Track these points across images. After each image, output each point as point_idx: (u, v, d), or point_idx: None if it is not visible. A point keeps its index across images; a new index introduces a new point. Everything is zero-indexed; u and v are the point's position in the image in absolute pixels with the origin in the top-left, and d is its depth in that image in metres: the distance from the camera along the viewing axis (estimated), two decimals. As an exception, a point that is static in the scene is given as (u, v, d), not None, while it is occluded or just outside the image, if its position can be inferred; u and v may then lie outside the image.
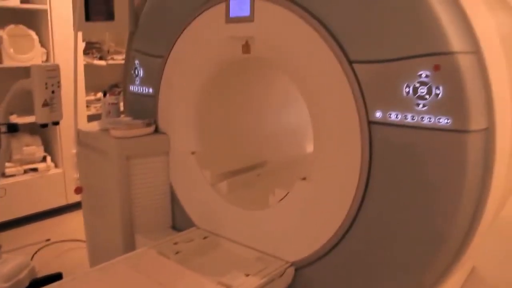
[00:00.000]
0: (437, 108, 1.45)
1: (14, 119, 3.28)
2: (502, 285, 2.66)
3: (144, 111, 2.38)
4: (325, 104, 1.68)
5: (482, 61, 1.47)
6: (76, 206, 3.63)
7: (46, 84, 2.06)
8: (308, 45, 1.67)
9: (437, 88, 1.44)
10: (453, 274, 1.72)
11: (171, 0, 2.17)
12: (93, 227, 2.49)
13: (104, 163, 2.24)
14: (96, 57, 3.70)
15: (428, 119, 1.46)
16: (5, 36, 3.14)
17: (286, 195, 1.88)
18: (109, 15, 2.39)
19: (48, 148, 3.53)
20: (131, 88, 2.45)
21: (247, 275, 1.76)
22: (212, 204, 2.13)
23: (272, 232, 1.93)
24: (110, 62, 3.74)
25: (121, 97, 2.61)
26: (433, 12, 1.43)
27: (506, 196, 2.17)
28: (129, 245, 2.26)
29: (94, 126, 2.48)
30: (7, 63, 3.17)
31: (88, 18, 2.43)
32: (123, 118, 2.47)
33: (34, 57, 3.27)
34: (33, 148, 3.41)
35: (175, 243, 2.05)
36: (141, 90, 2.38)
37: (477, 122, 1.43)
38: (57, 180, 3.46)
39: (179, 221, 2.33)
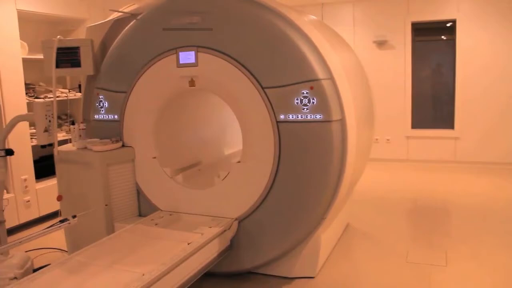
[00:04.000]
0: (314, 110, 2.70)
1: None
2: (371, 232, 4.00)
3: (109, 132, 3.33)
4: (249, 113, 2.86)
5: (335, 83, 2.78)
6: (27, 225, 4.32)
7: (46, 115, 2.93)
8: (235, 80, 2.84)
9: (313, 99, 2.70)
10: (333, 215, 2.98)
11: (131, 52, 3.18)
12: (73, 224, 3.32)
13: (87, 172, 3.14)
14: (32, 96, 4.46)
15: (310, 116, 2.71)
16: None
17: (227, 175, 3.00)
18: (76, 63, 3.32)
19: (0, 176, 4.18)
20: (96, 116, 3.38)
21: (210, 227, 2.83)
22: (173, 190, 3.16)
23: (219, 201, 3.03)
24: (46, 99, 4.51)
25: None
26: (307, 58, 2.70)
27: (360, 164, 3.51)
28: (110, 231, 3.16)
29: (69, 147, 3.35)
30: (-36, 105, 3.84)
31: (57, 66, 3.31)
32: (91, 139, 3.36)
33: (-15, 99, 3.97)
34: (-13, 177, 4.05)
35: (152, 219, 3.05)
36: (107, 117, 3.33)
37: (335, 115, 2.72)
38: (9, 203, 4.13)
39: (144, 209, 3.30)
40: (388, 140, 6.56)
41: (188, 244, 2.57)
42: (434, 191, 5.17)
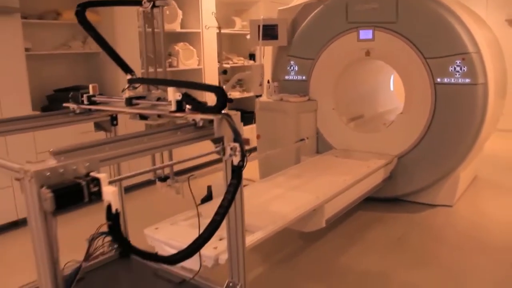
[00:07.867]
0: (464, 75, 3.84)
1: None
2: (495, 182, 5.03)
3: (296, 89, 4.67)
4: (413, 77, 4.05)
5: (481, 55, 3.89)
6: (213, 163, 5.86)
7: (260, 74, 4.33)
8: (403, 51, 4.04)
9: (464, 67, 3.83)
10: (470, 160, 4.10)
11: (319, 29, 4.47)
12: (266, 157, 4.73)
13: (282, 118, 4.51)
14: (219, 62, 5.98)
15: (461, 80, 3.85)
16: (179, 50, 5.38)
17: (391, 123, 4.23)
18: (274, 37, 4.70)
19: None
20: (286, 77, 4.75)
21: (379, 159, 4.09)
22: (347, 134, 4.46)
23: (384, 142, 4.27)
24: (231, 65, 6.01)
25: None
26: (461, 36, 3.83)
27: (493, 122, 4.56)
28: (297, 162, 4.53)
29: (265, 99, 4.74)
30: (180, 67, 5.41)
31: (262, 38, 4.71)
32: (283, 94, 4.72)
33: (193, 63, 5.52)
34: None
35: (332, 153, 4.37)
36: (296, 78, 4.68)
37: (480, 79, 3.83)
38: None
39: (321, 147, 4.63)
40: (513, 112, 7.38)
41: (368, 167, 3.86)
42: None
